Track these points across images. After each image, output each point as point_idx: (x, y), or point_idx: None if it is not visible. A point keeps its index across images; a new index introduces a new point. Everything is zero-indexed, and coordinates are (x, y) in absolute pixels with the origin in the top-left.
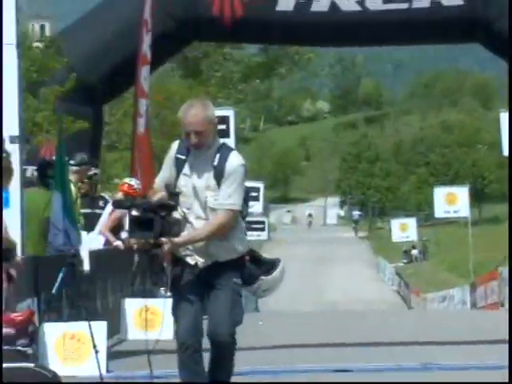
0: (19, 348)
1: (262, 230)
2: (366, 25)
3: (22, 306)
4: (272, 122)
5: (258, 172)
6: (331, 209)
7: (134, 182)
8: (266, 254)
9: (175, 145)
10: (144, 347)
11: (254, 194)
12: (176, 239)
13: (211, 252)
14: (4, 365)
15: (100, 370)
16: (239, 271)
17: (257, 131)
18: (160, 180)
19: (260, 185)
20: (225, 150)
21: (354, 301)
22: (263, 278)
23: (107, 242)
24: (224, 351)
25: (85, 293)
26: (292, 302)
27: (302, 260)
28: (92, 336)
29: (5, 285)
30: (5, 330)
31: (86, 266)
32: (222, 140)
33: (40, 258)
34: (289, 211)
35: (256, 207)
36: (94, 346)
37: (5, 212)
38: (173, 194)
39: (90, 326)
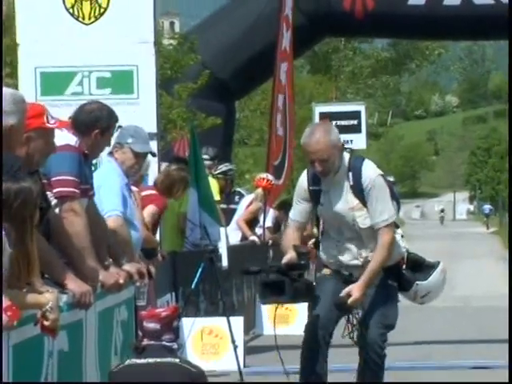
0: (165, 343)
1: None
2: (499, 18)
3: (162, 301)
4: (400, 116)
5: (386, 167)
6: (460, 204)
7: (270, 177)
8: None
9: (304, 176)
10: (280, 342)
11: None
12: (358, 284)
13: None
14: (150, 360)
15: (239, 365)
16: (394, 275)
17: (385, 126)
18: (295, 217)
19: (390, 179)
20: (355, 166)
21: (485, 296)
22: (418, 283)
23: (243, 237)
24: (373, 357)
25: (222, 288)
26: None
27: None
28: (231, 331)
29: (146, 281)
30: (150, 325)
31: (225, 262)
32: (349, 138)
33: (178, 253)
34: (418, 206)
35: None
36: (233, 341)
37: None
38: (302, 253)
39: (228, 320)
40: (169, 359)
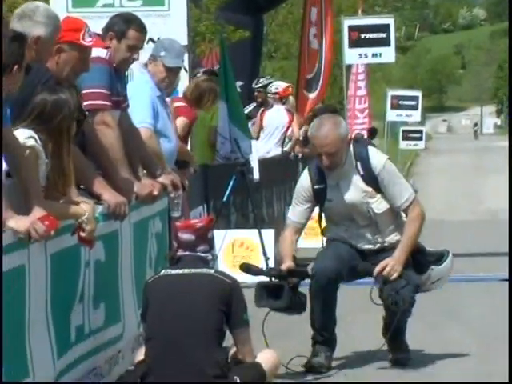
0: (199, 254)
1: (420, 139)
2: None
3: (194, 213)
4: (427, 30)
5: (413, 80)
6: (488, 118)
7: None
8: (423, 164)
9: (306, 176)
10: (309, 255)
11: (412, 102)
12: (395, 257)
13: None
14: (186, 270)
15: (271, 278)
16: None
17: (412, 40)
18: (295, 218)
19: (418, 93)
20: (361, 156)
21: None
22: (433, 267)
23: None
24: (400, 317)
25: (254, 201)
26: (451, 211)
27: (459, 169)
28: (262, 243)
29: (179, 192)
30: (185, 236)
31: (256, 175)
32: (378, 51)
33: (209, 166)
34: (444, 120)
35: (414, 116)
36: (264, 254)
37: None
38: (300, 270)
39: (260, 233)
40: (204, 270)
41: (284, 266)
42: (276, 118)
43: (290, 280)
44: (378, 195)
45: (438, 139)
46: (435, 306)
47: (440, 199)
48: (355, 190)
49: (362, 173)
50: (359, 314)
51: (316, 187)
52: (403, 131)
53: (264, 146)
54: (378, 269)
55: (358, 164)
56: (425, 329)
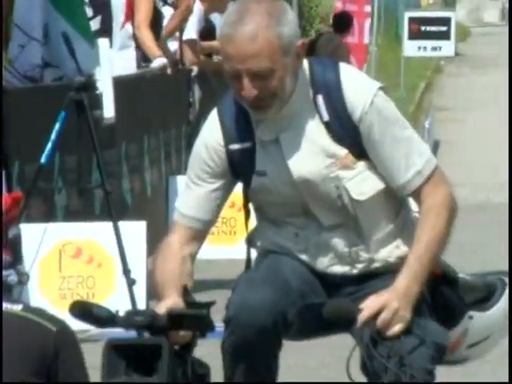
0: None
1: (444, 36)
2: None
3: None
4: None
5: None
6: None
7: None
8: (449, 88)
9: (212, 124)
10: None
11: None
12: (397, 289)
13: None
14: None
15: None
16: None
17: None
18: (190, 209)
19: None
20: (327, 81)
21: None
22: (473, 314)
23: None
24: None
25: (103, 165)
26: (503, 187)
27: None
28: (121, 249)
29: None
30: None
31: (110, 111)
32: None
33: (6, 91)
34: None
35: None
36: (126, 269)
37: None
38: (194, 303)
39: (116, 229)
40: (4, 307)
41: (162, 308)
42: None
43: (174, 335)
44: (360, 164)
45: (482, 37)
46: None
47: (483, 162)
48: (313, 154)
49: (326, 118)
50: None
51: (232, 147)
52: (411, 20)
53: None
54: (365, 313)
55: (319, 99)
56: None
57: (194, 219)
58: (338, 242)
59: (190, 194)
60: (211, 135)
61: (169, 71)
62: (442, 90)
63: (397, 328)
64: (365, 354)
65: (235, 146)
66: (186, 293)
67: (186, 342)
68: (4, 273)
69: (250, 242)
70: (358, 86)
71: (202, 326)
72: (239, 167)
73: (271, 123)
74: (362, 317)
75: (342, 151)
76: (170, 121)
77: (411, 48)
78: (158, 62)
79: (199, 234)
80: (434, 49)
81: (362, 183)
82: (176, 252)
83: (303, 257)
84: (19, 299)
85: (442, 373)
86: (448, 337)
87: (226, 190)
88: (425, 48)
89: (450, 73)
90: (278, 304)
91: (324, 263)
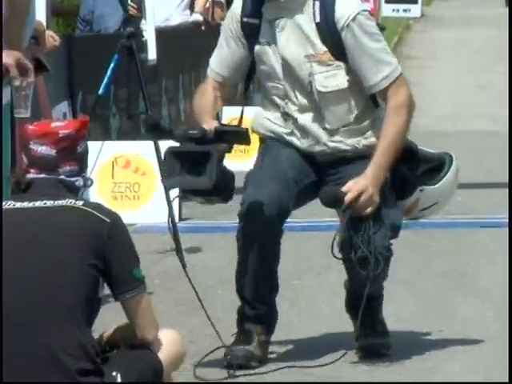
0: (63, 177)
1: (412, 0)
2: None
3: (55, 113)
4: None
5: None
6: None
7: None
8: (417, 42)
9: (238, 2)
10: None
11: None
12: (368, 176)
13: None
14: (39, 202)
15: (173, 217)
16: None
17: None
18: (217, 65)
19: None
20: None
21: None
22: (424, 188)
23: None
24: (371, 282)
25: (147, 95)
26: (458, 119)
27: (476, 54)
28: (161, 162)
29: (30, 79)
30: (41, 149)
31: (152, 54)
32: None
33: (74, 37)
34: None
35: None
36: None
37: None
38: (228, 125)
39: (157, 147)
40: (68, 202)
41: (208, 125)
42: None
43: (217, 146)
44: (336, 63)
45: (443, 2)
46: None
47: (443, 99)
48: (298, 42)
49: (318, 18)
50: (312, 276)
51: (246, 20)
52: None
53: (161, 10)
54: (349, 196)
55: (317, 4)
56: (412, 297)
57: (216, 73)
58: (312, 126)
59: (217, 54)
60: (235, 8)
61: (203, 28)
62: (410, 44)
63: (369, 210)
64: (345, 233)
65: (246, 19)
66: (218, 119)
67: (223, 151)
68: (72, 179)
69: (253, 129)
70: (348, 3)
71: (241, 139)
72: (249, 37)
73: (275, 6)
74: (347, 198)
75: (322, 49)
76: (200, 63)
77: (387, 10)
78: (195, 17)
79: (220, 86)
80: (405, 11)
81: (328, 78)
82: (209, 92)
83: (292, 139)
84: (82, 198)
85: (438, 366)
86: (401, 217)
87: (241, 55)
88: (398, 10)
89: (416, 30)
90: (282, 197)
91: (306, 143)
